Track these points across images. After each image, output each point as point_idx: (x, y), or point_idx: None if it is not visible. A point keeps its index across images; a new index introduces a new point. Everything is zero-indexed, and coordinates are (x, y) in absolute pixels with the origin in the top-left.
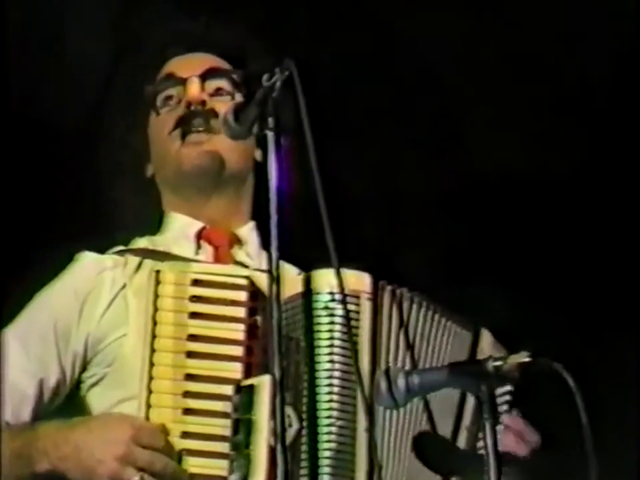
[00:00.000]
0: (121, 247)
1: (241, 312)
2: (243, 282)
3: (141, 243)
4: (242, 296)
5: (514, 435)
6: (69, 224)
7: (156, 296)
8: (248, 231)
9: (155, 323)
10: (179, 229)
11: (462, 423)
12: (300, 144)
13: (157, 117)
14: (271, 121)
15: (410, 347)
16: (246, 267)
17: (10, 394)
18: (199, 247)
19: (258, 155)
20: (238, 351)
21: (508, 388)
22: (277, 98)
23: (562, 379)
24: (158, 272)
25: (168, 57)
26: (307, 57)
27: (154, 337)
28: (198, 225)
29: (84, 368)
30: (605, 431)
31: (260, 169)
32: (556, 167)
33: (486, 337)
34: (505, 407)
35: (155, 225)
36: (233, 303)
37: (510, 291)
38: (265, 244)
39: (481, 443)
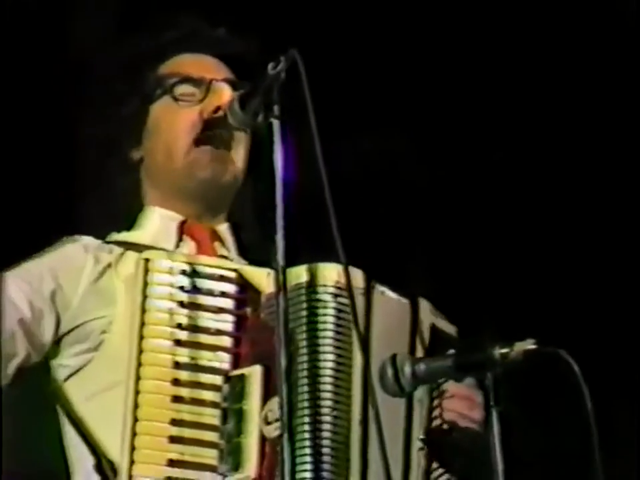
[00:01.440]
0: (100, 241)
1: (229, 303)
2: (232, 274)
3: (120, 237)
4: (230, 288)
5: (464, 400)
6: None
7: (145, 284)
8: (226, 230)
9: (143, 311)
10: (160, 222)
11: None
12: (301, 134)
13: (173, 107)
14: (276, 108)
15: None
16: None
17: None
18: (180, 239)
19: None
20: (226, 341)
21: None
22: (282, 86)
23: (567, 366)
24: (147, 260)
25: (174, 49)
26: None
27: (142, 324)
28: (178, 218)
29: (57, 343)
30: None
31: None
32: (556, 167)
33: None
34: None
35: (126, 215)
36: (222, 294)
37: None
38: (241, 248)
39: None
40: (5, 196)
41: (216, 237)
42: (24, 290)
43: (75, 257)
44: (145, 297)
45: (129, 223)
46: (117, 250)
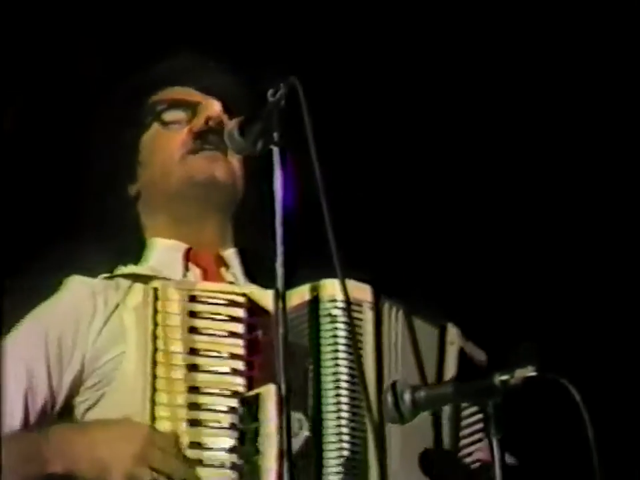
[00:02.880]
0: (107, 274)
1: (239, 328)
2: (241, 299)
3: (126, 270)
4: (240, 312)
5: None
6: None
7: (155, 311)
8: (232, 255)
9: (155, 338)
10: (165, 253)
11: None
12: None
13: (164, 133)
14: (276, 135)
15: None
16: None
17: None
18: (187, 268)
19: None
20: (239, 365)
21: None
22: (282, 113)
23: (568, 393)
24: (156, 289)
25: (165, 82)
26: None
27: (155, 350)
28: (183, 246)
29: (77, 391)
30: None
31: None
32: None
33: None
34: None
35: (132, 252)
36: (232, 319)
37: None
38: (249, 272)
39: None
40: (7, 232)
41: (221, 262)
42: (37, 354)
43: (84, 305)
44: (155, 324)
45: (133, 259)
46: (125, 284)
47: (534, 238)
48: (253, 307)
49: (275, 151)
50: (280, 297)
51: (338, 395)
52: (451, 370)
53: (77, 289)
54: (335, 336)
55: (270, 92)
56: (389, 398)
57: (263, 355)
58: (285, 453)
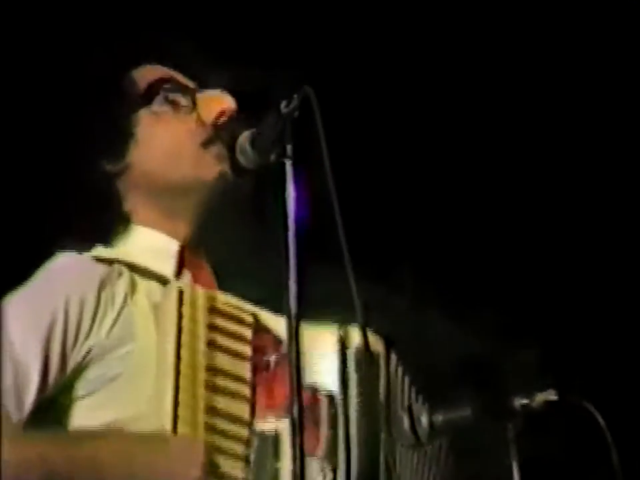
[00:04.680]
0: (95, 254)
1: (247, 350)
2: (250, 319)
3: (109, 253)
4: (248, 333)
5: None
6: None
7: (180, 316)
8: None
9: (179, 345)
10: (152, 246)
11: None
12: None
13: (168, 113)
14: (289, 148)
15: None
16: None
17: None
18: (179, 270)
19: None
20: (245, 389)
21: None
22: (295, 125)
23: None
24: (181, 291)
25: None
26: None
27: (179, 359)
28: (176, 244)
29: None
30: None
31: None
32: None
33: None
34: None
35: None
36: (240, 338)
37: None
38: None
39: None
40: None
41: (204, 268)
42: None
43: (92, 293)
44: (179, 330)
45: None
46: (125, 272)
47: (549, 253)
48: (258, 328)
49: (288, 164)
50: (294, 321)
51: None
52: None
53: (74, 269)
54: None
55: (283, 103)
56: (405, 420)
57: (270, 382)
58: None
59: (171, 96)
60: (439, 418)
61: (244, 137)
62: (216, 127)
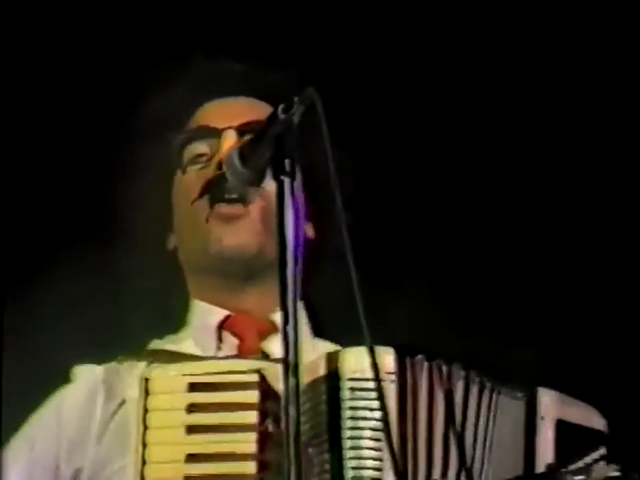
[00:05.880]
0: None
1: (251, 417)
2: (253, 378)
3: (156, 345)
4: (252, 397)
5: None
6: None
7: (145, 411)
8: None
9: (144, 446)
10: (200, 321)
11: None
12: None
13: (183, 177)
14: (287, 163)
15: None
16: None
17: None
18: (220, 340)
19: None
20: (249, 467)
21: None
22: (295, 135)
23: None
24: (147, 380)
25: (202, 99)
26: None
27: (144, 463)
28: (221, 313)
29: None
30: None
31: None
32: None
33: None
34: None
35: (176, 314)
36: (241, 406)
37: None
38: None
39: None
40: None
41: (271, 329)
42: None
43: (78, 404)
44: (145, 427)
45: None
46: (130, 368)
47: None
48: (265, 389)
49: (287, 182)
50: (291, 370)
51: None
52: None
53: (77, 388)
54: (353, 418)
55: (280, 107)
56: None
57: (276, 450)
58: None
59: (196, 147)
60: None
61: (232, 150)
62: (218, 179)
